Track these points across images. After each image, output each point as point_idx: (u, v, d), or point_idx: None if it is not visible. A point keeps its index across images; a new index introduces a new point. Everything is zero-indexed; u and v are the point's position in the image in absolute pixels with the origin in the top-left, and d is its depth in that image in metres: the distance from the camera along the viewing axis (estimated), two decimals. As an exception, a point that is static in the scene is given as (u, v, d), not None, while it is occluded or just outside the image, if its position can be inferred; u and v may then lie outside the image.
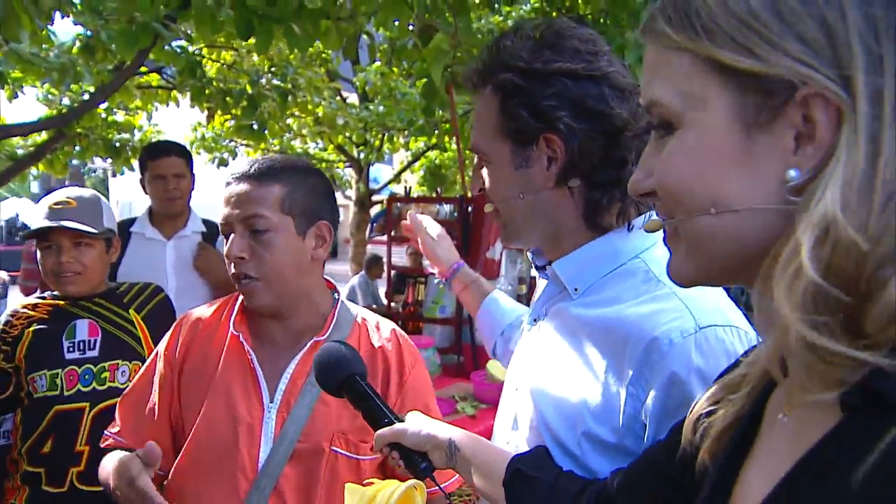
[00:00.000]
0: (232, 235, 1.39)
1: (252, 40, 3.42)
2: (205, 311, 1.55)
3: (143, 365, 2.03)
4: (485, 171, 1.17)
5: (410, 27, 4.10)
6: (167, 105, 6.63)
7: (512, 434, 1.19)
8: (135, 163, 7.14)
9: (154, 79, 6.34)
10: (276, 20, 3.46)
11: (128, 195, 16.55)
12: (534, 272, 4.36)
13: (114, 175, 21.68)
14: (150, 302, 2.15)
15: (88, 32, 4.15)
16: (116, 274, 2.91)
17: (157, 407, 1.48)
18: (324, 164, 10.42)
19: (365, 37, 4.40)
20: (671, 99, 0.62)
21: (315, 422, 1.39)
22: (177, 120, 8.25)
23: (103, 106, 5.90)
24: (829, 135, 0.53)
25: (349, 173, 11.71)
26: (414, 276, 3.71)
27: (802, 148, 0.55)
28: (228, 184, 1.43)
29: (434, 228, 1.67)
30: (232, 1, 3.35)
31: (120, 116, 7.07)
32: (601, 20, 4.88)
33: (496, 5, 4.82)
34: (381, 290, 6.74)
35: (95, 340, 2.00)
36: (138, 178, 3.09)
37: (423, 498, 1.02)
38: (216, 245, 3.06)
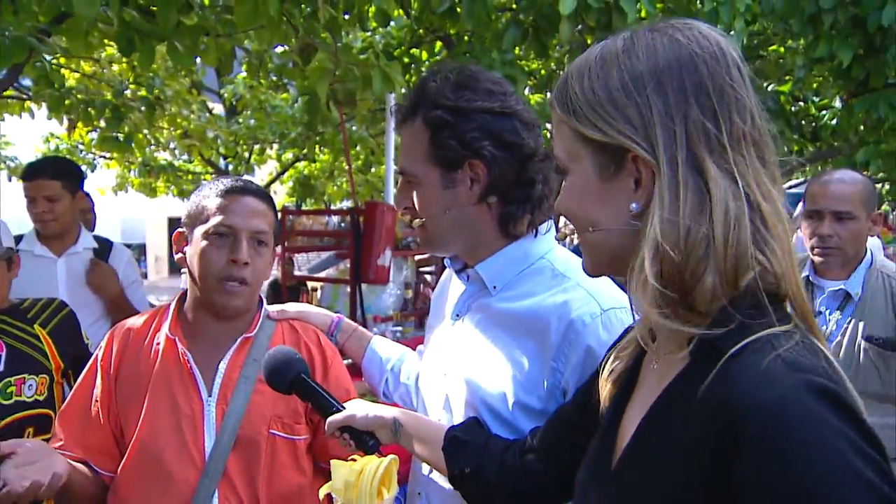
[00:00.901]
0: (241, 243, 1.53)
1: (115, 52, 3.42)
2: (136, 321, 1.67)
3: (49, 378, 2.06)
4: (414, 193, 1.38)
5: (280, 47, 4.22)
6: (20, 116, 6.29)
7: (443, 413, 1.40)
8: (-19, 176, 6.73)
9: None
10: (157, 37, 3.49)
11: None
12: (428, 276, 4.61)
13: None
14: (56, 317, 2.18)
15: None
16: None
17: (100, 413, 1.57)
18: (190, 176, 10.16)
19: (239, 51, 4.48)
20: (560, 154, 0.90)
21: (252, 410, 1.54)
22: (27, 131, 7.78)
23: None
24: (650, 183, 0.80)
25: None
26: (294, 283, 3.84)
27: (639, 189, 0.82)
28: (228, 193, 1.57)
29: (294, 307, 1.75)
30: (111, 18, 3.34)
31: (-37, 127, 6.60)
32: (467, 40, 5.23)
33: (366, 22, 5.06)
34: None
35: (0, 356, 2.01)
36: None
37: (396, 468, 1.20)
38: (108, 261, 3.07)
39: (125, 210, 12.14)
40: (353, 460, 1.20)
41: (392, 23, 5.82)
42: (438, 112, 1.30)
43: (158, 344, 1.59)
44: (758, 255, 0.76)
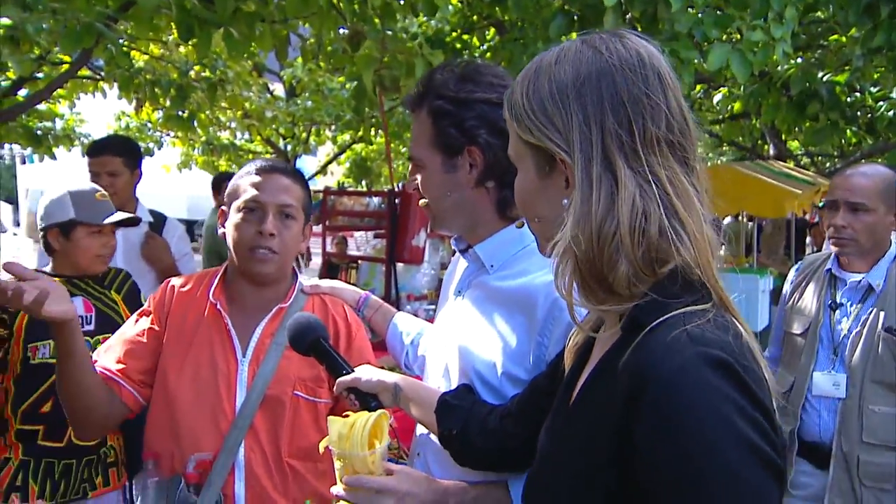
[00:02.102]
0: (268, 216, 1.70)
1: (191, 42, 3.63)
2: (184, 281, 1.86)
3: None
4: (419, 176, 1.51)
5: (342, 30, 4.39)
6: (93, 95, 6.66)
7: (442, 381, 1.53)
8: (56, 150, 7.14)
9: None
10: (214, 24, 3.69)
11: (37, 183, 15.99)
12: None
13: (23, 162, 20.77)
14: (125, 284, 2.47)
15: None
16: (67, 260, 3.13)
17: (145, 346, 1.75)
18: (251, 156, 10.51)
19: (295, 37, 4.66)
20: (510, 153, 1.02)
21: (280, 372, 1.71)
22: (100, 109, 8.21)
23: (22, 93, 5.90)
24: (572, 182, 0.90)
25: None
26: (345, 262, 4.02)
27: (568, 187, 0.92)
28: (257, 173, 1.74)
29: (326, 282, 1.92)
30: (172, 5, 3.54)
31: (42, 105, 7.01)
32: (520, 26, 5.29)
33: (418, 9, 5.17)
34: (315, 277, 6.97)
35: (91, 316, 2.29)
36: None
37: (387, 421, 1.29)
38: (161, 234, 3.31)
39: (192, 187, 12.62)
40: (347, 416, 1.30)
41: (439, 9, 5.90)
42: (441, 102, 1.42)
43: (203, 306, 1.77)
44: (669, 245, 0.85)
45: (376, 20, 4.01)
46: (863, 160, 8.80)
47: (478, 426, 1.32)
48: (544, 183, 0.96)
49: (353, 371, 1.48)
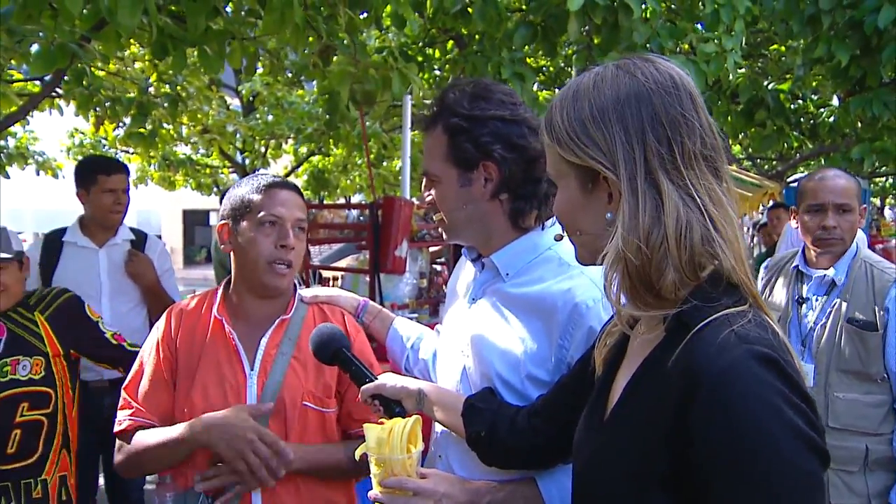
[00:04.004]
0: (288, 230, 1.75)
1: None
2: (188, 303, 1.90)
3: (45, 359, 2.32)
4: (433, 190, 1.58)
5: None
6: (49, 112, 6.54)
7: (460, 385, 1.59)
8: (10, 169, 6.99)
9: (31, 85, 6.25)
10: (188, 42, 3.71)
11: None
12: (436, 266, 4.83)
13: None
14: (55, 303, 2.43)
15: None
16: (52, 280, 3.11)
17: (167, 380, 1.80)
18: (208, 170, 10.42)
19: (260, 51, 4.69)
20: (550, 171, 1.09)
21: (288, 384, 1.76)
22: (52, 126, 8.05)
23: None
24: (618, 198, 0.98)
25: (234, 178, 11.81)
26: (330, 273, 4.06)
27: (612, 202, 1.00)
28: (273, 186, 1.79)
29: (325, 291, 1.98)
30: (146, 25, 3.55)
31: (-7, 123, 6.84)
32: (478, 38, 5.42)
33: (382, 24, 5.25)
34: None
35: (1, 339, 2.27)
36: (75, 189, 3.26)
37: (420, 426, 1.34)
38: (144, 251, 3.32)
39: (141, 202, 12.41)
40: (382, 422, 1.35)
41: (407, 23, 6.00)
42: (456, 120, 1.49)
43: (208, 323, 1.81)
44: (709, 251, 0.94)
45: (341, 35, 4.08)
46: (801, 162, 9.22)
47: (507, 426, 1.38)
48: (587, 199, 1.03)
49: (376, 378, 1.53)
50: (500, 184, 1.50)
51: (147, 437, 1.75)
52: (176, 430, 1.69)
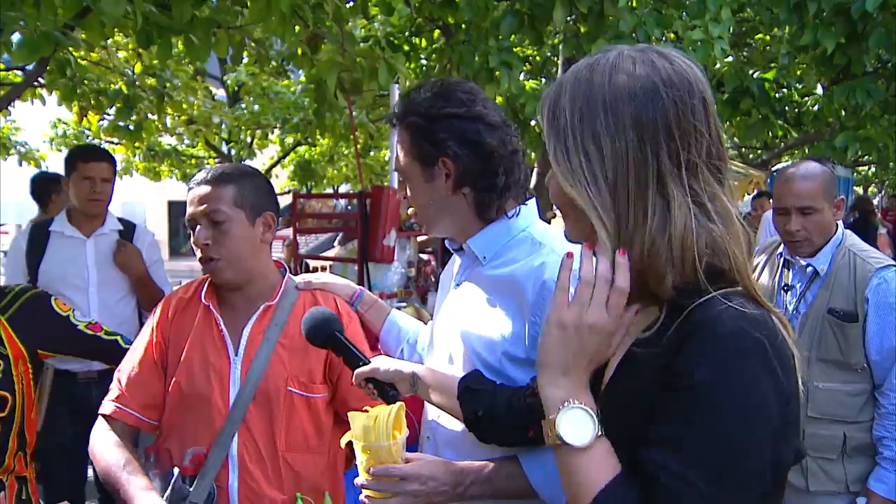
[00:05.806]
0: (198, 227, 1.76)
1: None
2: (182, 290, 1.92)
3: (4, 362, 2.11)
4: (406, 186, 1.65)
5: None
6: (31, 102, 6.45)
7: (448, 367, 1.63)
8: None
9: (13, 75, 6.17)
10: (173, 31, 3.68)
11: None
12: (423, 256, 4.85)
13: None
14: (15, 303, 2.21)
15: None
16: (38, 271, 3.10)
17: (157, 365, 1.82)
18: (193, 161, 10.36)
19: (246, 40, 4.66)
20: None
21: (272, 368, 1.77)
22: (35, 116, 7.96)
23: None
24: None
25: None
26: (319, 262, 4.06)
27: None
28: (190, 188, 1.81)
29: (319, 277, 1.98)
30: (131, 14, 3.52)
31: (-26, 114, 6.76)
32: (465, 28, 5.42)
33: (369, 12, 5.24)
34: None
35: None
36: (62, 177, 3.25)
37: (404, 412, 1.38)
38: (132, 242, 3.31)
39: (125, 193, 12.33)
40: (366, 411, 1.37)
41: (394, 11, 5.99)
42: (414, 118, 1.56)
43: (197, 308, 1.84)
44: (714, 258, 0.97)
45: (328, 24, 4.06)
46: (786, 151, 9.29)
47: (504, 406, 1.41)
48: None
49: (369, 362, 1.54)
50: (459, 178, 1.56)
51: (105, 453, 1.76)
52: (120, 472, 1.70)
